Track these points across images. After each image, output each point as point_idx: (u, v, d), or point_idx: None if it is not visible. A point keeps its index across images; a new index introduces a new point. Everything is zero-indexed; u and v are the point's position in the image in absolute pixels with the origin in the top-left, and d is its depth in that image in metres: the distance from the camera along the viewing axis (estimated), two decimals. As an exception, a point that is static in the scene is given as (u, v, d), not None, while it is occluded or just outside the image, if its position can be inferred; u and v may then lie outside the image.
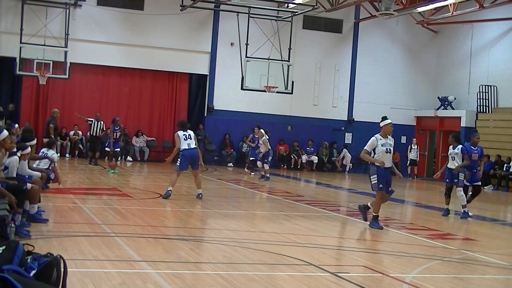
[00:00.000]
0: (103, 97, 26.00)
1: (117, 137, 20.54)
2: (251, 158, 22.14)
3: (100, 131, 22.16)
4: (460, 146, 13.38)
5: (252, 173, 22.11)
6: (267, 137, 20.51)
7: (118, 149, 21.32)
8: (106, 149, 20.93)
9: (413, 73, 29.36)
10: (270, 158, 20.61)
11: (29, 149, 9.16)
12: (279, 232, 10.44)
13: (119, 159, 21.09)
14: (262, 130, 20.48)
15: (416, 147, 26.99)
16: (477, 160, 13.66)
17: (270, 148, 20.50)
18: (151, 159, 25.98)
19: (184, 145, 13.40)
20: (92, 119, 22.37)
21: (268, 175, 20.15)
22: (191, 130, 13.89)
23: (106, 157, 24.06)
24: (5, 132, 7.85)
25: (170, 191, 13.30)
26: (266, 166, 20.19)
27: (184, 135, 13.51)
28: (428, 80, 29.36)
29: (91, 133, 22.26)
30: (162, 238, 8.73)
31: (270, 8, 24.32)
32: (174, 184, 13.42)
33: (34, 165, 11.38)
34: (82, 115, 23.27)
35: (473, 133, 15.49)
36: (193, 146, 13.43)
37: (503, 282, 7.99)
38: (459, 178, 13.28)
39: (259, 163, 20.59)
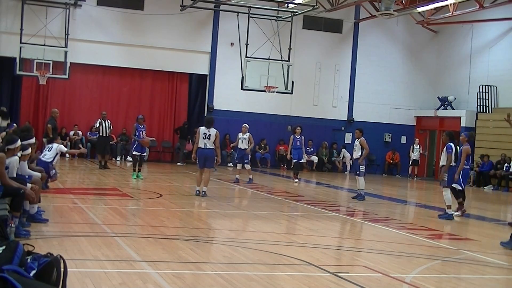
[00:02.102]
0: (103, 97, 26.00)
1: (143, 137, 17.70)
2: (301, 161, 20.22)
3: (109, 131, 21.20)
4: (447, 144, 13.23)
5: (296, 181, 20.10)
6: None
7: (145, 153, 18.88)
8: (134, 153, 17.71)
9: (413, 73, 29.36)
10: (249, 157, 19.18)
11: (29, 149, 9.17)
12: (279, 232, 10.45)
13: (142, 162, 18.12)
14: (246, 125, 19.18)
15: (418, 147, 26.99)
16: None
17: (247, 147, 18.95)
18: (151, 159, 25.95)
19: (200, 144, 13.84)
20: (98, 120, 21.13)
21: (251, 176, 18.65)
22: (214, 128, 13.90)
23: (112, 158, 24.04)
24: (19, 142, 8.31)
25: (198, 191, 14.01)
26: (247, 167, 18.74)
27: (204, 133, 13.78)
28: (428, 80, 29.36)
29: (100, 134, 21.03)
30: (162, 238, 8.73)
31: (270, 8, 24.31)
32: (200, 182, 14.00)
33: (40, 159, 11.46)
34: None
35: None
36: (209, 146, 13.78)
37: (503, 282, 7.99)
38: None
39: (239, 165, 18.90)
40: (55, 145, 12.52)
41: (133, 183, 16.52)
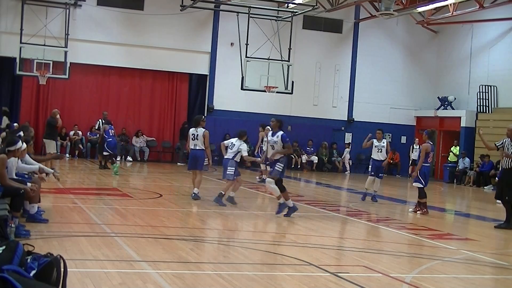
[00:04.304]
0: (103, 97, 25.99)
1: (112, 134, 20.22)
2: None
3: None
4: (280, 133, 11.73)
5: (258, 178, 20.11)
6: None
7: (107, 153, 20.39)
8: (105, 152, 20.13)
9: (413, 73, 29.36)
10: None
11: (24, 145, 9.12)
12: (279, 232, 10.45)
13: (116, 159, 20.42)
14: (268, 127, 19.45)
15: (418, 147, 26.94)
16: None
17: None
18: (151, 159, 25.98)
19: (190, 145, 13.48)
20: (99, 120, 21.16)
21: (264, 176, 18.47)
22: (203, 127, 13.42)
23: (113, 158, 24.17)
24: (20, 143, 8.42)
25: (195, 193, 13.62)
26: (263, 167, 18.63)
27: (192, 134, 13.35)
28: (428, 80, 29.36)
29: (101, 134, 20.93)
30: (162, 238, 8.73)
31: (270, 8, 24.31)
32: (196, 183, 13.65)
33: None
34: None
35: None
36: (198, 147, 13.28)
37: (503, 282, 7.99)
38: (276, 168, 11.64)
39: (263, 166, 18.64)
40: (237, 144, 12.92)
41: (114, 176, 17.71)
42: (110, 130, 20.09)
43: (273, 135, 11.81)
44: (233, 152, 12.93)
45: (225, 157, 13.12)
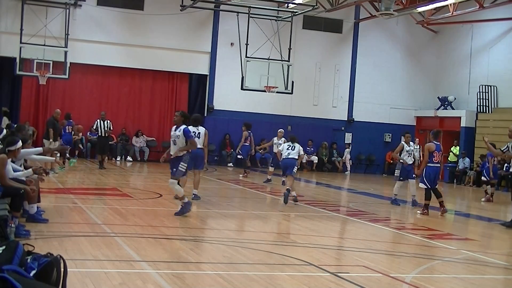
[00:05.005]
0: (103, 97, 25.98)
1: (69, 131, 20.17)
2: (239, 157, 21.82)
3: (108, 130, 20.92)
4: (183, 127, 11.15)
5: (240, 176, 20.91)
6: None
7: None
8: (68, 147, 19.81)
9: (413, 73, 29.36)
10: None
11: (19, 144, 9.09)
12: (279, 232, 10.45)
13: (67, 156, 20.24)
14: (282, 130, 19.56)
15: (418, 147, 26.90)
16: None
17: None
18: (151, 159, 25.96)
19: None
20: (97, 120, 21.00)
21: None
22: (203, 127, 13.39)
23: (112, 158, 24.28)
24: (20, 143, 8.33)
25: (195, 194, 13.49)
26: (272, 168, 19.24)
27: (193, 132, 12.92)
28: (428, 80, 29.36)
29: (99, 134, 20.85)
30: (162, 238, 8.73)
31: (270, 8, 24.30)
32: (184, 184, 13.17)
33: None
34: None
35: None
36: (199, 146, 12.97)
37: (503, 282, 7.99)
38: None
39: (271, 168, 19.23)
40: (297, 146, 14.11)
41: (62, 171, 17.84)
42: (67, 126, 19.88)
43: (176, 129, 11.27)
44: (295, 153, 14.02)
45: (289, 157, 14.00)
